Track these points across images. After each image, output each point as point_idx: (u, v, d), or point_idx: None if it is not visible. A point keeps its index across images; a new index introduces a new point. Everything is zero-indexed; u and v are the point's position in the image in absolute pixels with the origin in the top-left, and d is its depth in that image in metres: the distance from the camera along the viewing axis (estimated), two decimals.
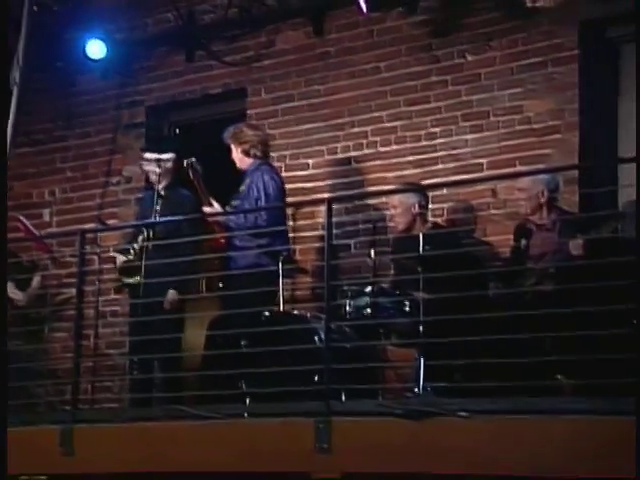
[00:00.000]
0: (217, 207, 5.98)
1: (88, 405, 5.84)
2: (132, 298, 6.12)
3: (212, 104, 7.30)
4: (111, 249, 6.21)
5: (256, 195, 5.89)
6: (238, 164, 6.07)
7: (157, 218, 6.04)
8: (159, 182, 6.17)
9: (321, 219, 5.95)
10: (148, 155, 6.28)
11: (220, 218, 5.94)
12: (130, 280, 6.02)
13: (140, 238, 6.06)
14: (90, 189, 7.55)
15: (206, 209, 5.96)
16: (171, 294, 5.88)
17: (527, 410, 4.34)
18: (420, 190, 5.89)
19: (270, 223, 5.76)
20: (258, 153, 6.04)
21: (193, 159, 6.06)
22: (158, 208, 6.08)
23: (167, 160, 6.26)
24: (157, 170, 6.15)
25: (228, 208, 6.00)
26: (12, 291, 6.60)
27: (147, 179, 6.88)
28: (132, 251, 6.07)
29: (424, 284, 5.09)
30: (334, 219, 5.24)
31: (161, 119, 7.49)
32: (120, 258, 6.12)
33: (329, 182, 6.67)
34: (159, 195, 6.16)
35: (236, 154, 6.05)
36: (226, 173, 6.17)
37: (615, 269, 4.54)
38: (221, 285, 5.81)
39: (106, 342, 6.45)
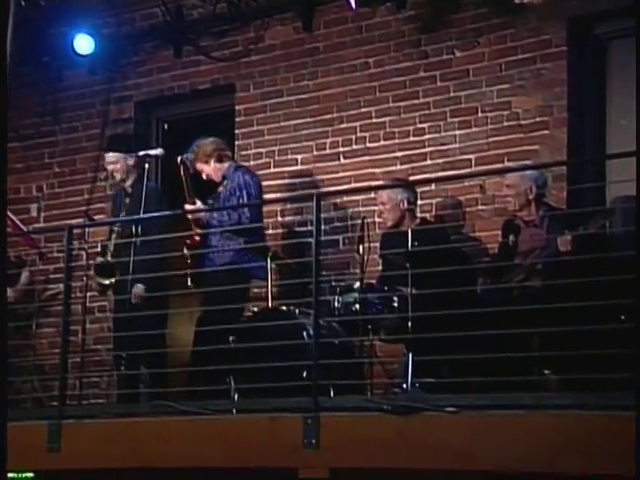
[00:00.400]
0: (200, 206, 6.00)
1: (75, 401, 5.81)
2: (115, 294, 6.11)
3: (200, 99, 7.29)
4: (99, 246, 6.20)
5: (238, 194, 5.95)
6: (215, 176, 6.10)
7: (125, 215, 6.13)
8: (126, 180, 6.25)
9: (310, 215, 5.95)
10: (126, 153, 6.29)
11: (202, 216, 5.95)
12: (106, 281, 6.02)
13: (113, 236, 6.09)
14: (78, 184, 7.52)
15: (188, 206, 5.98)
16: (138, 288, 5.87)
17: (514, 405, 4.36)
18: (409, 186, 5.89)
19: (252, 221, 5.83)
20: (228, 154, 6.11)
21: (186, 156, 6.07)
22: (125, 205, 6.17)
23: (154, 156, 6.27)
24: (128, 166, 6.15)
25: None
26: None
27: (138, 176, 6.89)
28: (108, 252, 6.08)
29: (412, 280, 5.09)
30: (323, 215, 5.24)
31: (149, 114, 7.47)
32: (99, 259, 6.14)
33: (318, 177, 6.67)
34: (126, 193, 6.24)
35: (210, 168, 6.09)
36: None
37: (603, 265, 4.55)
38: (190, 283, 5.81)
39: (94, 338, 6.43)
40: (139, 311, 5.69)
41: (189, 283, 5.81)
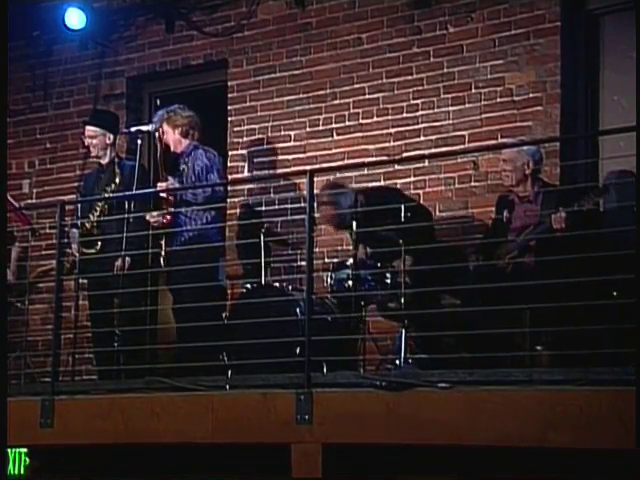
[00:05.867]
0: (172, 182, 5.99)
1: (68, 377, 5.82)
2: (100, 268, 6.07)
3: (193, 75, 7.25)
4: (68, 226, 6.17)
5: (205, 171, 5.96)
6: (173, 147, 6.12)
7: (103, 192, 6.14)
8: (104, 156, 6.25)
9: (303, 191, 5.95)
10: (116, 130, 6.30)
11: (175, 194, 5.94)
12: (90, 250, 6.03)
13: (97, 209, 6.09)
14: (70, 160, 7.50)
15: (161, 184, 5.97)
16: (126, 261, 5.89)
17: (506, 381, 4.37)
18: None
19: (222, 197, 5.94)
20: (195, 134, 6.10)
21: (157, 113, 6.12)
22: (117, 181, 6.15)
23: (146, 132, 6.25)
24: (107, 142, 6.18)
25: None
26: None
27: (127, 151, 6.86)
28: (88, 224, 6.08)
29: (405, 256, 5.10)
30: (316, 191, 5.23)
31: (141, 90, 7.44)
32: (74, 231, 6.13)
33: (311, 154, 6.65)
34: (101, 170, 6.26)
35: (172, 136, 6.10)
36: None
37: (596, 241, 4.56)
38: (162, 261, 5.82)
39: (86, 314, 6.42)
40: (126, 286, 5.71)
41: (161, 262, 5.82)
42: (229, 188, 6.57)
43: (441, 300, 5.42)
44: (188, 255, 5.70)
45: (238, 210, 6.70)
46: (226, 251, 6.28)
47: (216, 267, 5.90)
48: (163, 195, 5.96)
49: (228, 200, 6.48)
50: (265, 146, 6.79)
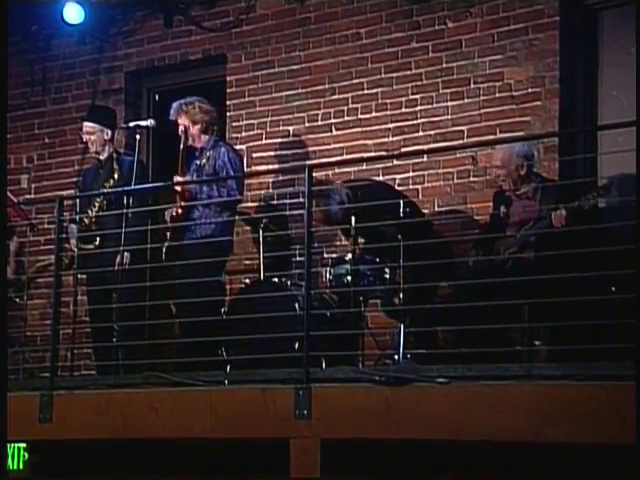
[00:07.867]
0: (188, 178, 5.97)
1: (67, 372, 5.83)
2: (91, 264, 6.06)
3: (192, 70, 7.25)
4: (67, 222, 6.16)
5: (225, 172, 5.88)
6: (191, 141, 6.03)
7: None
8: (100, 153, 6.25)
9: (302, 186, 5.94)
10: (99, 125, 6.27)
11: (189, 189, 5.88)
12: (88, 246, 6.03)
13: (95, 205, 6.08)
14: (68, 155, 7.49)
15: (178, 178, 5.94)
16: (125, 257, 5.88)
17: (504, 376, 4.38)
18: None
19: (239, 200, 5.86)
20: (215, 128, 6.04)
21: (178, 104, 6.03)
22: (116, 177, 6.14)
23: (145, 127, 6.25)
24: (106, 138, 6.17)
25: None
26: None
27: (126, 146, 6.86)
28: (86, 220, 6.07)
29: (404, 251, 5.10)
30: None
31: (139, 85, 7.43)
32: (72, 227, 6.12)
33: (309, 149, 6.65)
34: (100, 166, 6.26)
35: (190, 131, 6.00)
36: None
37: (596, 237, 4.57)
38: (164, 256, 5.78)
39: (85, 309, 6.43)
40: (126, 281, 5.70)
41: (163, 256, 5.77)
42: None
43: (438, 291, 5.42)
44: (195, 251, 5.61)
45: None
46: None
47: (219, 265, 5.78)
48: (178, 189, 5.88)
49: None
50: (264, 141, 6.79)
